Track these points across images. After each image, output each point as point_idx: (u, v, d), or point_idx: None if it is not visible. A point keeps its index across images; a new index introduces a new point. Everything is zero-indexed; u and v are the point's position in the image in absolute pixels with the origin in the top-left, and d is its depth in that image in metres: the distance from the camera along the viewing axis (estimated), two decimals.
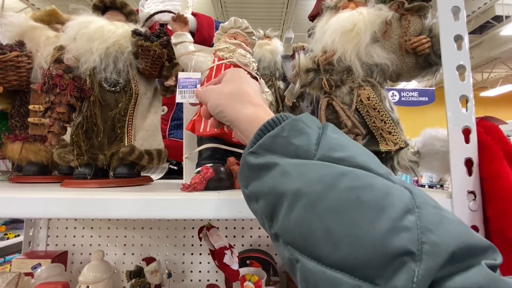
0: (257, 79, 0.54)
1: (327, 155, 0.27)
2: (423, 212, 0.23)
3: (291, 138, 0.29)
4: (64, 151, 0.51)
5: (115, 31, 0.52)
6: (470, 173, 0.42)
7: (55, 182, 0.61)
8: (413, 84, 5.76)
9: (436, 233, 0.22)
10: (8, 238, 2.32)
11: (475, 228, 0.41)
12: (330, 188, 0.25)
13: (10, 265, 1.04)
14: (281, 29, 5.72)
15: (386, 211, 0.23)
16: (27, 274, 0.69)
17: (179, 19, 0.55)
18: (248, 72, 0.53)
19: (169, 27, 0.88)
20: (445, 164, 0.45)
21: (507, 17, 4.69)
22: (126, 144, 0.54)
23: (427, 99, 5.29)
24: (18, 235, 2.36)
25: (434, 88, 5.46)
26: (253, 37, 0.59)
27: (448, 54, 0.43)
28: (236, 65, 0.52)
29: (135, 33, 0.53)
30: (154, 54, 0.53)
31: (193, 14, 0.88)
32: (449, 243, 0.21)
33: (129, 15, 0.59)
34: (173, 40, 0.54)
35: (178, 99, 0.52)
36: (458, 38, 0.44)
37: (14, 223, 2.46)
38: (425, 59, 0.48)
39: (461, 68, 0.43)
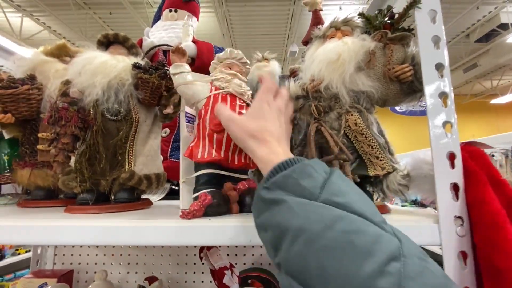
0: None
1: (329, 199, 0.31)
2: (408, 261, 0.26)
3: (300, 179, 0.32)
4: (68, 179, 0.54)
5: (116, 65, 0.56)
6: (457, 197, 0.42)
7: (60, 205, 0.64)
8: None
9: (416, 282, 0.24)
10: (19, 254, 2.37)
11: (464, 254, 0.41)
12: (327, 229, 0.28)
13: None
14: (286, 43, 5.82)
15: (373, 256, 0.26)
16: None
17: (178, 51, 0.58)
18: (243, 101, 0.56)
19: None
20: (434, 187, 0.46)
21: None
22: (126, 169, 0.57)
23: None
24: (29, 251, 2.40)
25: None
26: (247, 67, 0.62)
27: (430, 81, 0.45)
28: (232, 95, 0.55)
29: (135, 66, 0.57)
30: (153, 85, 0.57)
31: (194, 41, 0.93)
32: None
33: (131, 48, 0.64)
34: (172, 70, 0.57)
35: (185, 132, 0.56)
36: (439, 66, 0.45)
37: None
38: (409, 86, 0.49)
39: (443, 95, 0.45)
